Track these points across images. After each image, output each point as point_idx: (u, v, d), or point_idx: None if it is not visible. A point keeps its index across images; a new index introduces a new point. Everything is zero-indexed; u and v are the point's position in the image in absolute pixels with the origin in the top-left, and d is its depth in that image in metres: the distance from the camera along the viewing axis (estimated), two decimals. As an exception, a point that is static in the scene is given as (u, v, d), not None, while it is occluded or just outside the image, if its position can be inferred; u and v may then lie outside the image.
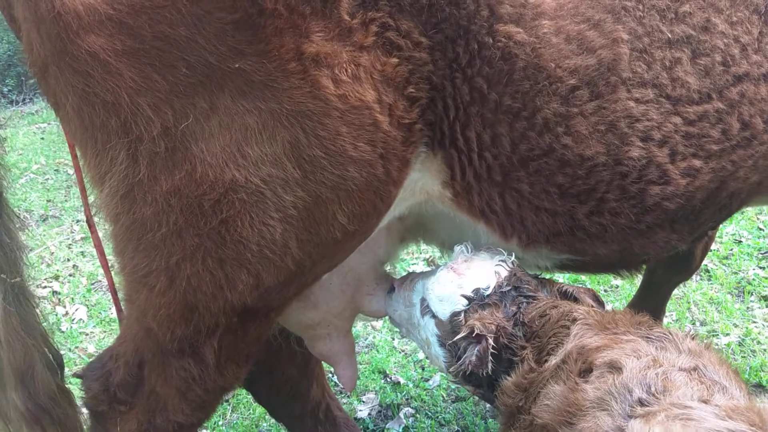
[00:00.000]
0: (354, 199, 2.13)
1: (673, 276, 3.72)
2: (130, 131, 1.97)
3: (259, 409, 3.87)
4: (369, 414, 3.98)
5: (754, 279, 4.45)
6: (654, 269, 3.61)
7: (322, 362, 3.15)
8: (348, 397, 4.03)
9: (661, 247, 2.45)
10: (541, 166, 2.21)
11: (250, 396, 3.55)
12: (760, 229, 5.01)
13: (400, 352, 4.38)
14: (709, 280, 4.73)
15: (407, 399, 3.95)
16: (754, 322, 4.15)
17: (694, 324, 4.47)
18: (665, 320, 4.15)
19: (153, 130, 1.96)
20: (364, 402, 4.06)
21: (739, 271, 4.57)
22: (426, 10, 2.03)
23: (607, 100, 2.15)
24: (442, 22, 2.05)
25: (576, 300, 2.24)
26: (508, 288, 2.22)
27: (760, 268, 4.58)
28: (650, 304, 3.67)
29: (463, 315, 2.20)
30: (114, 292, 2.58)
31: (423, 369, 4.17)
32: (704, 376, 1.80)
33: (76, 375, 2.56)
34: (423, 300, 2.37)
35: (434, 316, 2.30)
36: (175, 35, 1.89)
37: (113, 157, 2.01)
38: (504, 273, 2.25)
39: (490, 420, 3.64)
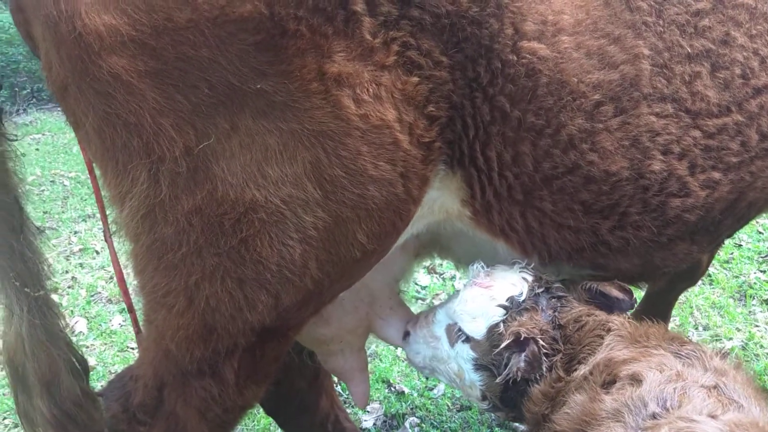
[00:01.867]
0: (374, 219, 2.12)
1: (680, 283, 3.74)
2: (152, 152, 1.96)
3: (264, 420, 3.85)
4: (374, 424, 3.97)
5: (755, 283, 4.47)
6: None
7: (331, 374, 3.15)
8: (352, 407, 4.02)
9: (682, 259, 2.46)
10: (565, 184, 2.21)
11: (256, 407, 3.54)
12: (760, 232, 5.04)
13: (403, 361, 4.36)
14: (710, 284, 4.75)
15: (412, 408, 3.94)
16: (757, 326, 4.17)
17: (697, 329, 4.48)
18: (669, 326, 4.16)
19: (175, 151, 1.96)
20: (369, 412, 4.04)
21: (740, 275, 4.60)
22: (447, 30, 2.04)
23: (631, 115, 2.16)
24: (463, 41, 2.05)
25: (602, 294, 2.23)
26: (541, 290, 2.21)
27: (761, 271, 4.60)
28: (656, 310, 3.68)
29: (502, 326, 2.17)
30: (132, 310, 2.56)
31: (427, 378, 4.16)
32: (723, 394, 1.81)
33: (97, 394, 2.54)
34: (450, 327, 2.33)
35: (468, 340, 2.26)
36: (198, 56, 1.88)
37: (134, 177, 2.00)
38: (530, 278, 2.24)
39: (497, 428, 3.64)
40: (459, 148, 2.21)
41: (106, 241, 2.48)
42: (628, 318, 2.21)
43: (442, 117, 2.13)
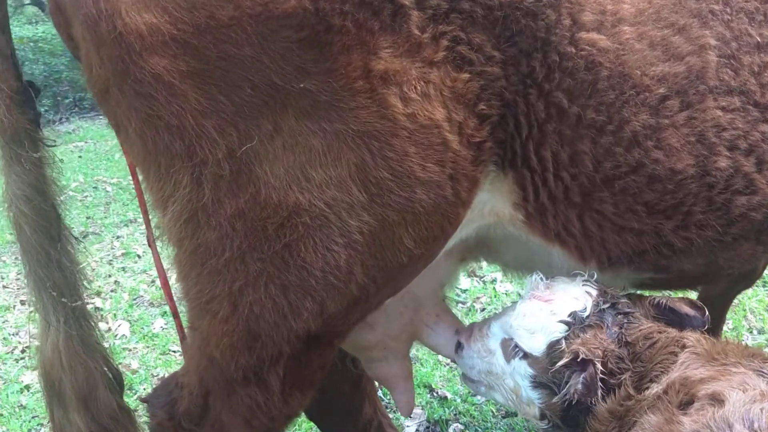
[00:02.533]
0: (421, 223, 2.04)
1: (737, 285, 3.56)
2: (194, 155, 1.91)
3: (306, 425, 3.80)
4: (417, 430, 3.88)
5: None
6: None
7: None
8: (394, 412, 3.93)
9: (746, 259, 2.33)
10: (628, 184, 2.10)
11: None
12: None
13: (445, 366, 4.27)
14: (764, 286, 4.56)
15: (455, 414, 3.84)
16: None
17: (751, 332, 4.30)
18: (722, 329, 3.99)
19: (218, 153, 1.90)
20: (411, 418, 3.95)
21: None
22: (500, 23, 1.94)
23: (697, 109, 2.05)
24: (517, 34, 1.96)
25: (672, 311, 2.11)
26: (606, 306, 2.08)
27: None
28: (711, 314, 3.52)
29: (563, 343, 2.04)
30: (176, 315, 2.52)
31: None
32: None
33: (142, 400, 2.51)
34: (506, 341, 2.21)
35: (526, 356, 2.13)
36: (240, 55, 1.83)
37: (177, 181, 1.95)
38: (594, 292, 2.11)
39: (543, 436, 3.52)
40: (511, 148, 2.11)
41: (149, 245, 2.44)
42: (703, 334, 2.08)
43: (494, 115, 2.04)
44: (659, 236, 2.19)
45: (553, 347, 2.07)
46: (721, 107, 2.07)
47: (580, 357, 1.98)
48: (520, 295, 4.13)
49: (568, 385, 2.01)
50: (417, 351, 4.35)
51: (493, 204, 2.22)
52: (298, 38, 1.82)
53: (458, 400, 3.94)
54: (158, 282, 5.52)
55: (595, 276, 2.20)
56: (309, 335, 2.14)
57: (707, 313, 2.16)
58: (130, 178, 2.29)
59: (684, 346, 1.97)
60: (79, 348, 2.31)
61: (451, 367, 4.25)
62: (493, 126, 2.05)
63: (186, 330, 2.34)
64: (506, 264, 2.64)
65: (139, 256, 6.48)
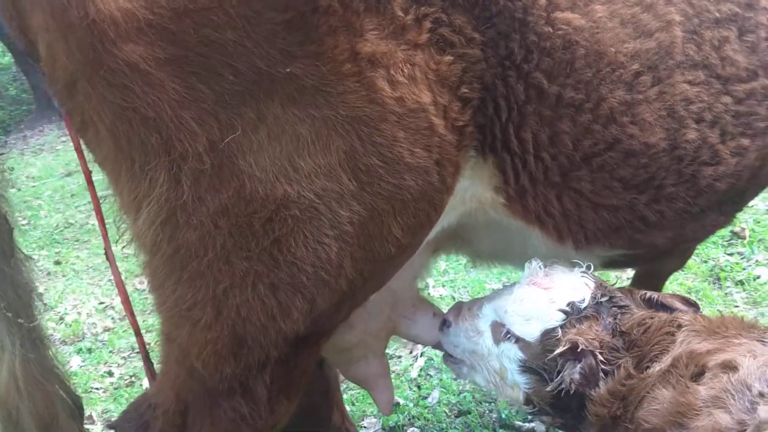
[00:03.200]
0: (409, 211, 1.99)
1: (669, 267, 3.70)
2: (172, 149, 1.79)
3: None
4: (374, 438, 3.81)
5: (725, 265, 4.52)
6: (649, 262, 3.59)
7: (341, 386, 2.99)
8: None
9: (709, 230, 2.41)
10: (605, 161, 2.12)
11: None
12: None
13: (391, 374, 4.20)
14: (682, 270, 4.77)
15: (409, 419, 3.78)
16: (736, 306, 4.18)
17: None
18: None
19: (198, 146, 1.79)
20: (366, 427, 3.86)
21: (709, 259, 4.64)
22: (479, 4, 1.94)
23: (667, 84, 2.10)
24: (496, 15, 1.96)
25: (665, 307, 2.14)
26: (604, 299, 2.09)
27: (728, 254, 4.66)
28: None
29: (559, 331, 2.03)
30: (138, 333, 2.34)
31: (419, 387, 4.02)
32: None
33: (109, 426, 2.31)
34: (496, 325, 2.19)
35: (517, 340, 2.12)
36: (222, 39, 1.73)
37: (153, 178, 1.82)
38: (592, 284, 2.12)
39: (500, 430, 3.53)
40: (491, 132, 2.10)
41: (107, 259, 2.26)
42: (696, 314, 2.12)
43: (475, 99, 2.03)
44: (633, 211, 2.23)
45: (548, 335, 2.07)
46: (687, 81, 2.14)
47: (580, 347, 1.98)
48: (454, 298, 4.15)
49: (562, 374, 2.01)
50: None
51: (474, 190, 2.20)
52: (284, 20, 1.74)
53: (410, 405, 3.88)
54: (68, 319, 5.21)
55: (593, 268, 2.22)
56: (297, 337, 2.04)
57: (700, 308, 2.21)
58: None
59: (680, 326, 1.99)
60: (37, 372, 2.10)
61: (397, 374, 4.20)
62: (475, 110, 2.04)
63: (161, 343, 2.17)
64: (479, 253, 2.62)
65: (40, 293, 6.07)
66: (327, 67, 1.80)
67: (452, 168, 2.05)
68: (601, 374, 1.96)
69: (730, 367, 1.73)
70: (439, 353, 4.20)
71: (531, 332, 2.10)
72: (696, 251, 4.74)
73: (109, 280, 5.88)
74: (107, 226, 2.25)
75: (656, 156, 2.16)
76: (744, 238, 4.70)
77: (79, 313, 5.33)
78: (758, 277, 4.27)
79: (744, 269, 4.40)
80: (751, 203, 5.05)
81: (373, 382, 2.67)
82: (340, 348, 2.49)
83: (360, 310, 2.28)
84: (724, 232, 4.83)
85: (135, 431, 2.20)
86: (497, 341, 2.19)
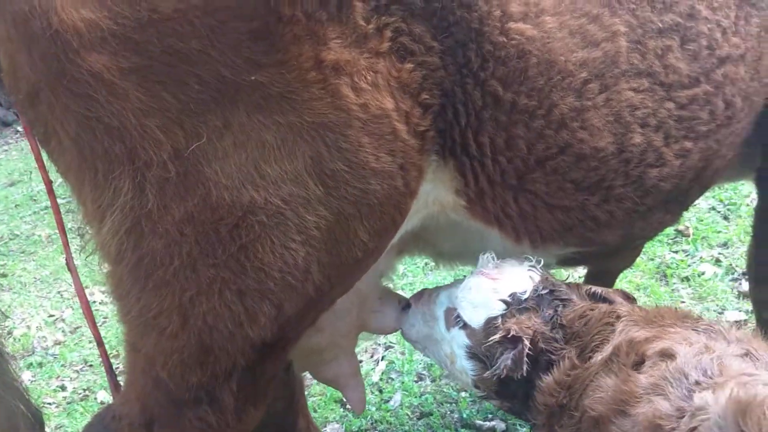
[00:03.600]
0: (375, 214, 2.03)
1: (619, 265, 3.82)
2: (136, 158, 1.79)
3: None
4: (338, 444, 3.82)
5: (671, 262, 4.67)
6: (601, 260, 3.71)
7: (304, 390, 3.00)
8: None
9: (656, 228, 2.51)
10: (558, 164, 2.20)
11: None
12: None
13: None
14: (631, 268, 4.91)
15: (372, 423, 3.80)
16: (683, 301, 4.32)
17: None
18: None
19: (163, 155, 1.79)
20: (329, 433, 3.89)
21: (655, 257, 4.79)
22: (438, 14, 1.98)
23: (613, 91, 2.19)
24: (453, 25, 2.01)
25: (605, 299, 2.23)
26: (545, 291, 2.17)
27: (674, 252, 4.82)
28: None
29: (500, 320, 2.13)
30: (101, 343, 2.31)
31: (381, 391, 4.05)
32: (757, 359, 1.81)
33: None
34: (449, 311, 2.28)
35: (465, 326, 2.21)
36: (186, 49, 1.74)
37: (117, 187, 1.81)
38: (537, 277, 2.21)
39: (462, 430, 3.59)
40: (450, 136, 2.15)
41: (69, 269, 2.23)
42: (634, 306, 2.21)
43: (435, 105, 2.07)
44: (585, 211, 2.32)
45: (490, 323, 2.16)
46: (632, 88, 2.23)
47: (511, 333, 2.07)
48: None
49: (498, 362, 2.08)
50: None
51: (436, 193, 2.25)
52: (249, 29, 1.76)
53: (373, 409, 3.90)
54: (16, 333, 5.08)
55: (542, 263, 2.30)
56: (264, 343, 2.05)
57: (637, 302, 2.31)
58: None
59: (619, 317, 2.07)
60: None
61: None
62: (435, 115, 2.09)
63: (126, 353, 2.15)
64: (441, 254, 2.68)
65: (-6, 307, 5.89)
66: (292, 74, 1.82)
67: (416, 172, 2.09)
68: (527, 361, 2.03)
69: (667, 355, 1.80)
70: (401, 356, 4.26)
71: (477, 319, 2.19)
72: (643, 249, 4.90)
73: (59, 292, 5.74)
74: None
75: (605, 159, 2.25)
76: (688, 236, 4.88)
77: (28, 327, 5.18)
78: (703, 273, 4.44)
79: (689, 266, 4.57)
80: (694, 203, 5.28)
81: (345, 382, 2.71)
82: (310, 351, 2.51)
83: (328, 313, 2.30)
84: (670, 230, 5.01)
85: (100, 444, 2.18)
86: (449, 327, 2.28)
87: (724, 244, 4.76)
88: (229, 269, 1.91)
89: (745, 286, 4.10)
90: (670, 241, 4.95)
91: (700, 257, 4.64)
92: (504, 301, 2.15)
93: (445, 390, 3.94)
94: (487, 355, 2.16)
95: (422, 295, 2.45)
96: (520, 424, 3.55)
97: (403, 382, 4.04)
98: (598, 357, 1.99)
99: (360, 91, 1.90)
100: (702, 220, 5.06)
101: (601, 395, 1.88)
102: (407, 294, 2.98)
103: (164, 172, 1.81)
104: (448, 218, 2.34)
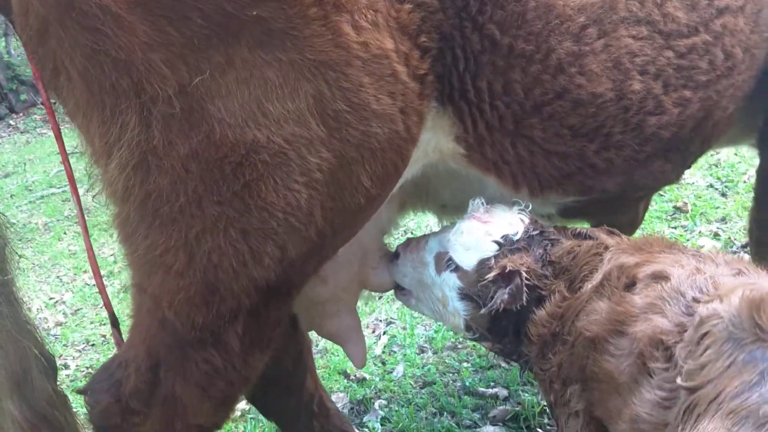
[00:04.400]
0: (377, 159, 2.05)
1: (622, 220, 3.79)
2: (142, 92, 1.82)
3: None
4: (341, 411, 3.83)
5: (671, 238, 4.69)
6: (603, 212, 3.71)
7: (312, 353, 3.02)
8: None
9: (657, 177, 2.54)
10: (555, 110, 2.23)
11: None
12: (661, 194, 5.27)
13: (357, 352, 4.25)
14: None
15: (376, 392, 3.83)
16: (682, 275, 4.38)
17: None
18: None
19: (168, 90, 1.82)
20: (333, 402, 3.89)
21: (655, 232, 4.81)
22: None
23: (612, 37, 2.22)
24: None
25: (591, 237, 2.25)
26: (535, 233, 2.23)
27: (673, 227, 4.87)
28: None
29: (492, 260, 2.18)
30: (103, 290, 2.34)
31: (384, 363, 4.07)
32: (749, 277, 1.85)
33: (79, 391, 2.28)
34: (440, 255, 2.33)
35: (457, 269, 2.26)
36: None
37: (124, 122, 1.84)
38: (527, 220, 2.26)
39: (465, 397, 3.60)
40: (449, 82, 2.18)
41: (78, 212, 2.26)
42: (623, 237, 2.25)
43: (434, 49, 2.11)
44: (583, 158, 2.36)
45: (483, 264, 2.21)
46: (631, 35, 2.27)
47: (507, 269, 2.12)
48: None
49: (494, 299, 2.14)
50: (326, 343, 4.31)
51: (436, 141, 2.28)
52: None
53: (376, 380, 3.93)
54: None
55: (530, 207, 2.34)
56: (268, 286, 2.07)
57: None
58: None
59: (606, 247, 2.13)
60: (12, 327, 2.08)
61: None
62: (434, 59, 2.12)
63: (132, 296, 2.18)
64: (443, 207, 2.71)
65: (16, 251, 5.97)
66: (293, 10, 1.85)
67: (416, 117, 2.12)
68: (527, 291, 2.09)
69: (661, 276, 1.84)
70: (402, 331, 4.28)
71: (469, 261, 2.24)
72: (642, 226, 4.93)
73: (58, 277, 5.77)
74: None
75: (603, 105, 2.28)
76: (687, 212, 4.92)
77: (29, 309, 5.21)
78: (702, 247, 4.46)
79: (688, 240, 4.60)
80: (691, 180, 5.31)
81: (347, 336, 2.73)
82: (313, 302, 2.54)
83: (331, 263, 2.33)
84: (669, 207, 5.06)
85: (107, 391, 2.19)
86: (439, 271, 2.33)
87: (722, 219, 4.80)
88: (233, 207, 1.94)
89: (744, 258, 4.13)
90: (668, 217, 4.99)
91: (699, 231, 4.69)
92: (496, 243, 2.20)
93: (447, 361, 3.96)
94: (479, 294, 2.21)
95: (409, 243, 2.49)
96: (522, 390, 3.58)
97: (405, 355, 4.07)
98: (588, 286, 2.02)
99: (360, 30, 1.93)
100: (700, 197, 5.10)
101: (595, 317, 1.91)
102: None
103: (169, 108, 1.84)
104: (448, 167, 2.38)
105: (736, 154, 5.67)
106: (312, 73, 1.90)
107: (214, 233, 1.95)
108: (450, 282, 2.30)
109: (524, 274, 2.11)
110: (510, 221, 2.27)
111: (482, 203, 2.32)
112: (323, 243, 2.12)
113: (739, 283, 1.70)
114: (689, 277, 1.82)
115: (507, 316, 2.16)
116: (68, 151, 2.20)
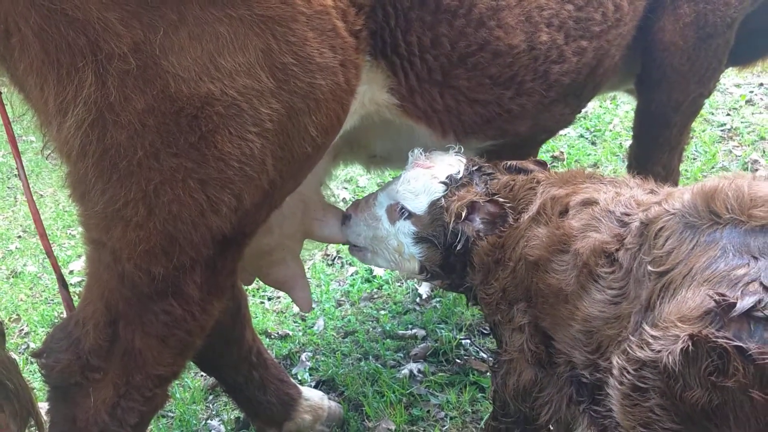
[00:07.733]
0: (322, 110, 2.19)
1: None
2: (98, 50, 1.86)
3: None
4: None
5: None
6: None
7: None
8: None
9: (558, 120, 2.86)
10: (477, 61, 2.47)
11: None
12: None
13: (273, 313, 4.39)
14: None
15: (300, 347, 3.99)
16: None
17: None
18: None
19: (123, 47, 1.87)
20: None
21: None
22: None
23: None
24: None
25: (520, 169, 2.54)
26: (474, 169, 2.46)
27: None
28: None
29: (442, 200, 2.39)
30: (50, 254, 2.33)
31: (304, 320, 4.24)
32: (659, 194, 2.14)
33: (34, 355, 2.28)
34: (391, 207, 2.52)
35: (410, 215, 2.46)
36: None
37: (80, 80, 1.87)
38: (464, 160, 2.49)
39: (387, 340, 3.85)
40: (381, 37, 2.36)
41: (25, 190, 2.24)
42: (551, 171, 2.54)
43: (367, 6, 2.27)
44: (501, 104, 2.62)
45: (434, 205, 2.44)
46: None
47: (468, 200, 2.35)
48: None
49: (462, 234, 2.36)
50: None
51: (372, 93, 2.45)
52: None
53: (299, 335, 4.08)
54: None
55: (462, 149, 2.57)
56: (224, 236, 2.17)
57: (548, 165, 2.64)
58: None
59: (539, 182, 2.40)
60: None
61: (280, 311, 4.37)
62: (367, 16, 2.28)
63: (89, 254, 2.20)
64: (372, 158, 2.89)
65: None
66: None
67: (354, 70, 2.28)
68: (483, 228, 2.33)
69: (590, 202, 2.12)
70: (317, 288, 4.43)
71: (420, 206, 2.46)
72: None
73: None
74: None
75: (518, 56, 2.55)
76: (563, 160, 5.43)
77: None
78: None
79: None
80: (564, 132, 5.78)
81: (293, 283, 2.87)
82: (261, 252, 2.66)
83: (276, 214, 2.46)
84: (546, 157, 5.52)
85: (66, 350, 2.22)
86: (393, 221, 2.53)
87: (594, 165, 5.32)
88: (190, 159, 2.02)
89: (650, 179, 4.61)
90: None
91: (573, 178, 5.15)
92: (443, 183, 2.42)
93: (365, 311, 4.18)
94: (434, 234, 2.43)
95: (358, 203, 2.67)
96: (438, 328, 3.86)
97: (324, 309, 4.24)
98: (526, 216, 2.28)
99: (303, -13, 2.05)
100: (573, 146, 5.61)
101: (536, 242, 2.16)
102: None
103: (125, 64, 1.89)
104: (383, 117, 2.56)
105: (601, 107, 6.24)
106: (260, 28, 2.01)
107: (173, 184, 2.02)
108: (404, 229, 2.50)
109: (498, 199, 2.33)
110: (450, 162, 2.49)
111: (421, 152, 2.52)
112: (273, 191, 2.24)
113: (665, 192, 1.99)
114: (614, 199, 2.10)
115: (454, 254, 2.39)
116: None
